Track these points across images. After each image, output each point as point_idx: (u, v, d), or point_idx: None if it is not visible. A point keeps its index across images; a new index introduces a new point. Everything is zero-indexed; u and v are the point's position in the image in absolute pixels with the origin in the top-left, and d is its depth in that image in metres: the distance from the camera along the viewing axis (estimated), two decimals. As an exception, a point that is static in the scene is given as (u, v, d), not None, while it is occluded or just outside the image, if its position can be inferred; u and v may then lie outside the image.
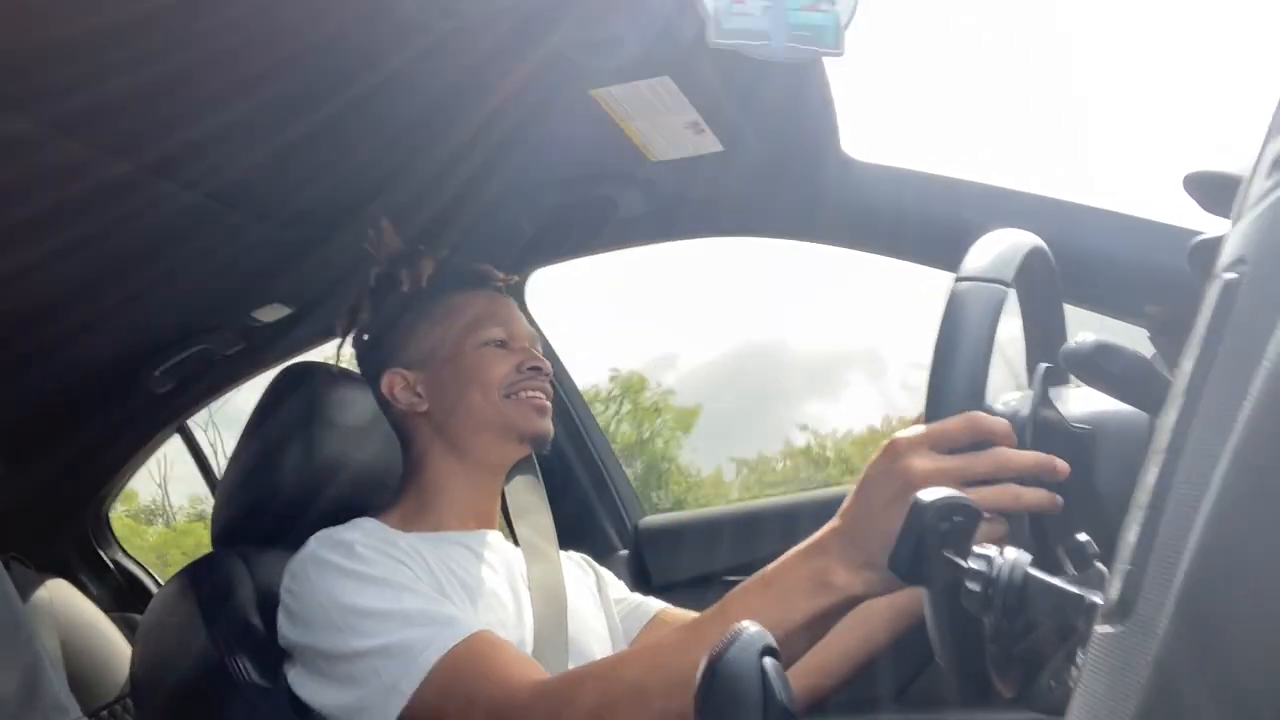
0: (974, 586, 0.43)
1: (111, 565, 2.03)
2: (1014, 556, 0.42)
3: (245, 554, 1.07)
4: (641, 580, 1.52)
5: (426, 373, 1.10)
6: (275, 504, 1.11)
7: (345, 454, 1.15)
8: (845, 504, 0.70)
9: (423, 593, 0.94)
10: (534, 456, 1.17)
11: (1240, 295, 0.28)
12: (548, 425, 1.10)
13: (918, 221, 1.13)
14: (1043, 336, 0.83)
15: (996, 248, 0.70)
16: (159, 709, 1.04)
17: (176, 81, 0.94)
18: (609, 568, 1.25)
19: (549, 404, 1.10)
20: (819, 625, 0.73)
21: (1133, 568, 0.29)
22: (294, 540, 1.00)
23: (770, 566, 0.74)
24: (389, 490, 1.13)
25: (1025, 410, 0.67)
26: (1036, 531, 0.66)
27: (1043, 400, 0.69)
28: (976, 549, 0.43)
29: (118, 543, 2.07)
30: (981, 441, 0.65)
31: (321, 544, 0.97)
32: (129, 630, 1.73)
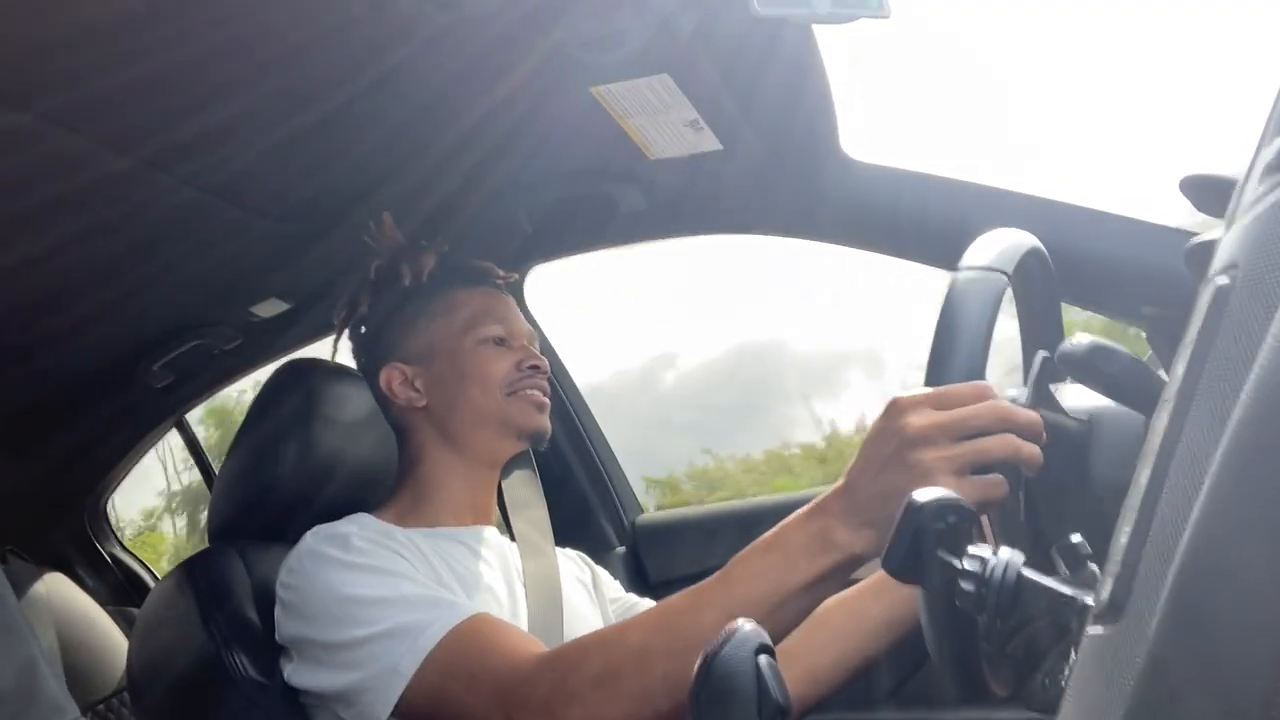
0: (968, 586, 0.43)
1: (109, 559, 2.03)
2: (1008, 557, 0.43)
3: (242, 549, 1.08)
4: (638, 578, 1.52)
5: (425, 368, 1.10)
6: (272, 500, 1.11)
7: (343, 450, 1.15)
8: (849, 465, 0.71)
9: (420, 581, 0.94)
10: (531, 452, 1.17)
11: (1233, 299, 0.29)
12: (546, 422, 1.10)
13: (916, 221, 1.13)
14: (1039, 336, 0.84)
15: (996, 243, 0.70)
16: (156, 704, 1.04)
17: (175, 75, 0.94)
18: (606, 565, 1.25)
19: (548, 401, 1.11)
20: (821, 587, 0.73)
21: (1124, 569, 0.29)
22: (291, 536, 1.00)
23: (772, 530, 0.75)
24: (386, 487, 1.13)
25: (1023, 402, 0.67)
26: (1033, 528, 0.66)
27: (1040, 394, 0.69)
28: (971, 549, 0.43)
29: (115, 537, 2.07)
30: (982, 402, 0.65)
31: (318, 538, 0.98)
32: (126, 624, 1.73)
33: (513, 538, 1.14)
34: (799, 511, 0.74)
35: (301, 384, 1.16)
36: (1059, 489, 0.69)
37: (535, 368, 1.10)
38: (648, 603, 1.17)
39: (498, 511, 1.17)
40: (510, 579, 1.06)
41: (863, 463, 0.70)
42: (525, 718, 0.80)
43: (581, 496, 1.56)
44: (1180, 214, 0.98)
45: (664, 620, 0.80)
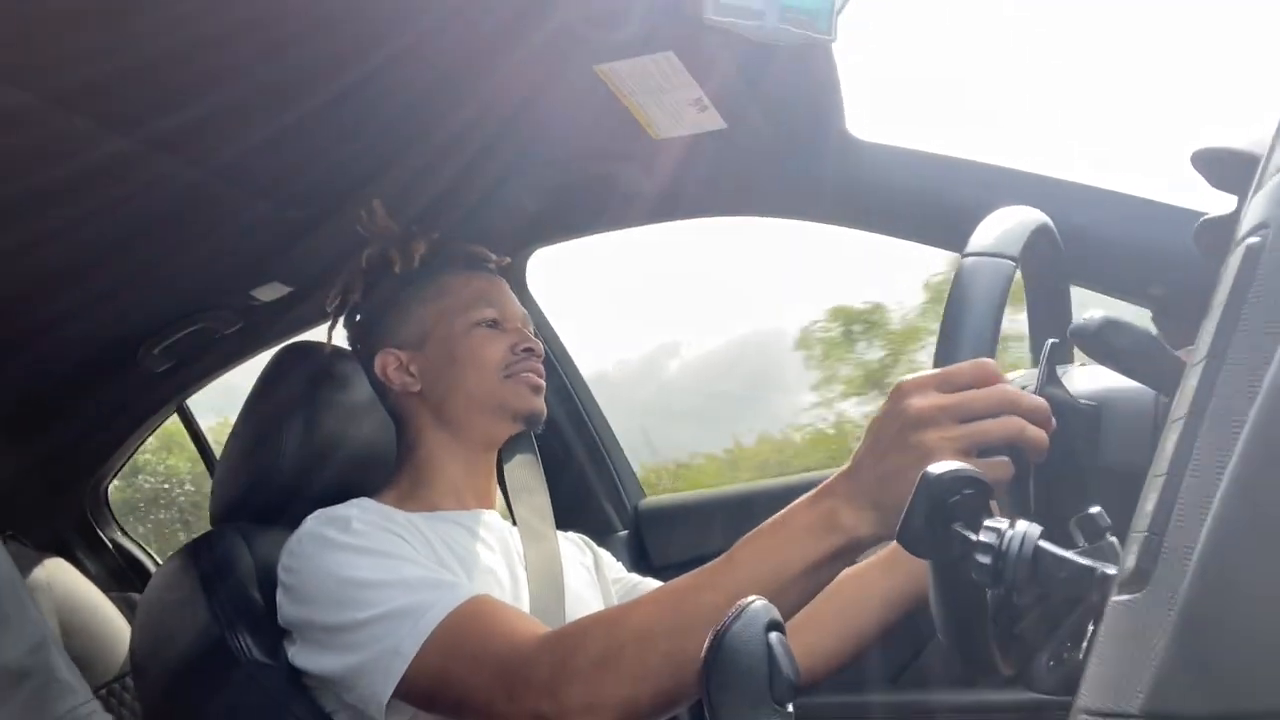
0: (984, 559, 0.43)
1: (110, 544, 2.03)
2: (1025, 529, 0.42)
3: (245, 531, 1.07)
4: (641, 561, 1.52)
5: (419, 353, 1.10)
6: (275, 482, 1.11)
7: (345, 433, 1.15)
8: (856, 448, 0.71)
9: (421, 563, 0.94)
10: (532, 436, 1.17)
11: (1264, 259, 0.28)
12: (541, 404, 1.10)
13: (922, 201, 1.12)
14: (1048, 315, 0.83)
15: (1003, 225, 0.70)
16: (160, 686, 1.04)
17: (179, 58, 0.93)
18: (608, 548, 1.25)
19: (543, 383, 1.11)
20: (826, 568, 0.73)
21: (1150, 535, 0.28)
22: (294, 518, 1.00)
23: (780, 512, 0.75)
24: (388, 469, 1.13)
25: (1031, 386, 0.67)
26: (1042, 510, 0.66)
27: (1049, 376, 0.69)
28: (987, 522, 0.43)
29: (116, 522, 2.07)
30: (988, 384, 0.65)
31: (319, 521, 0.98)
32: (128, 609, 1.73)
33: (514, 522, 1.14)
34: (806, 495, 0.74)
35: (304, 367, 1.16)
36: (1068, 471, 0.69)
37: (529, 350, 1.10)
38: (651, 582, 1.17)
39: (500, 496, 1.17)
40: (511, 562, 1.06)
41: (868, 445, 0.70)
42: (527, 697, 0.80)
43: (584, 480, 1.56)
44: (1189, 192, 0.97)
45: (668, 600, 0.80)
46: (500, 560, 1.05)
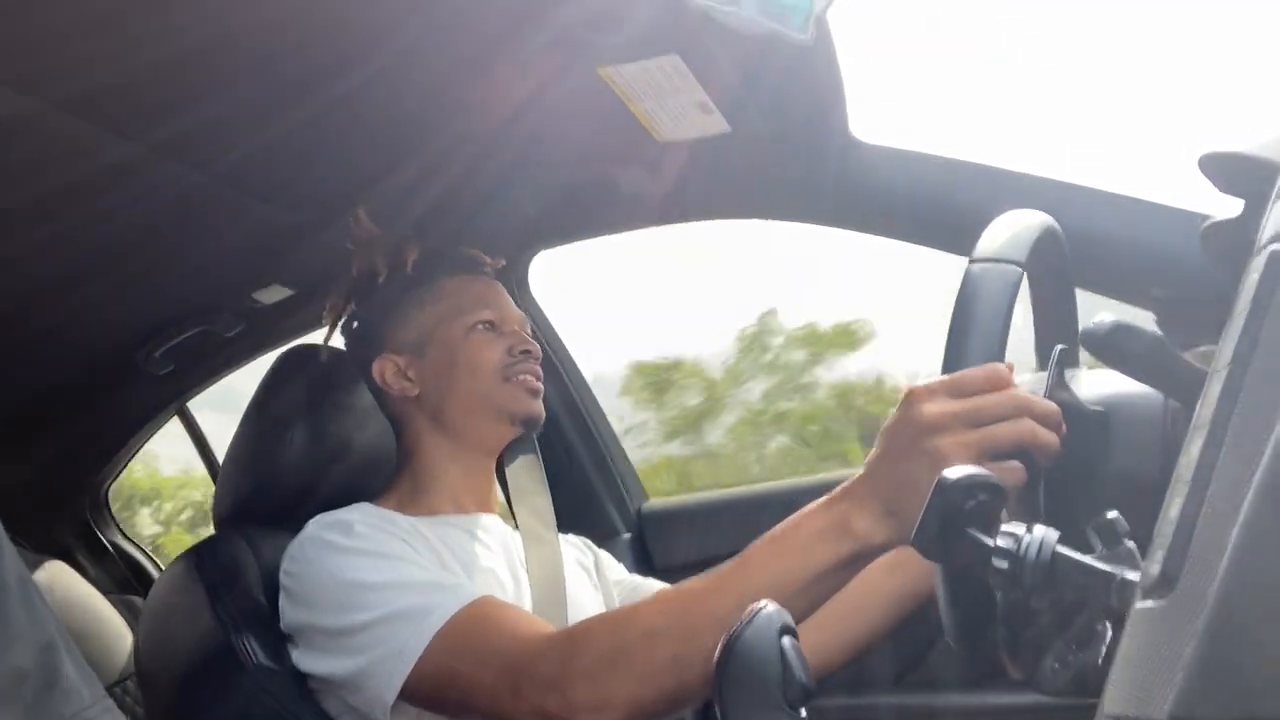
0: (1001, 564, 0.43)
1: (110, 548, 2.02)
2: (1043, 534, 0.42)
3: (249, 535, 1.07)
4: (644, 564, 1.52)
5: (417, 358, 1.10)
6: (279, 486, 1.11)
7: (349, 436, 1.15)
8: (870, 454, 0.71)
9: (424, 565, 0.94)
10: (534, 438, 1.17)
11: None
12: (539, 407, 1.10)
13: (926, 205, 1.12)
14: (1054, 320, 0.83)
15: (1009, 230, 0.70)
16: (164, 690, 1.03)
17: (182, 62, 0.93)
18: (611, 551, 1.25)
19: (540, 386, 1.10)
20: (839, 574, 0.73)
21: (1176, 540, 0.28)
22: (297, 522, 1.00)
23: (793, 517, 0.75)
24: (390, 473, 1.12)
25: (1040, 392, 0.67)
26: (1052, 515, 0.66)
27: (1058, 382, 0.69)
28: (1004, 527, 0.43)
29: (117, 525, 2.06)
30: (999, 389, 0.65)
31: (320, 525, 0.98)
32: (128, 612, 1.72)
33: (516, 525, 1.14)
34: (821, 499, 0.74)
35: (306, 370, 1.16)
36: (1078, 475, 0.69)
37: (527, 353, 1.10)
38: (653, 583, 1.17)
39: (503, 500, 1.17)
40: (513, 566, 1.06)
41: (881, 451, 0.70)
42: (533, 695, 0.80)
43: (586, 483, 1.56)
44: (1194, 195, 0.97)
45: (677, 602, 0.80)
46: (502, 563, 1.05)
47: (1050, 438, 0.64)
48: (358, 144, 1.18)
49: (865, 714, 1.25)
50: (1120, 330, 0.60)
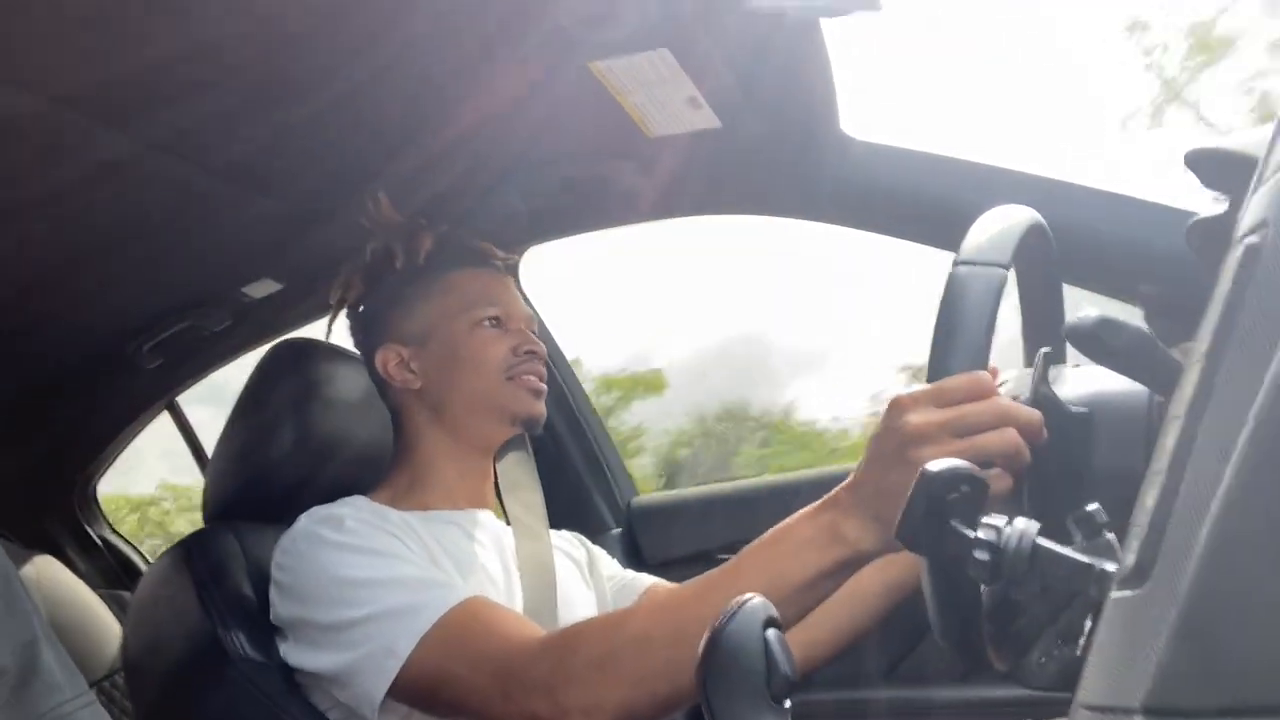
0: (982, 556, 0.43)
1: (100, 542, 2.02)
2: (1023, 526, 0.43)
3: (238, 529, 1.07)
4: (634, 558, 1.52)
5: (421, 349, 1.10)
6: (268, 481, 1.11)
7: (338, 431, 1.15)
8: (859, 462, 0.72)
9: (416, 562, 0.94)
10: (526, 435, 1.17)
11: (1263, 257, 0.28)
12: (542, 407, 1.10)
13: (915, 201, 1.13)
14: (1041, 317, 0.84)
15: (994, 228, 0.70)
16: (152, 684, 1.03)
17: (172, 57, 0.93)
18: (601, 546, 1.25)
19: (544, 386, 1.10)
20: (829, 581, 0.74)
21: (1151, 531, 0.29)
22: (288, 517, 0.99)
23: (782, 523, 0.75)
24: (382, 468, 1.12)
25: (1024, 391, 0.68)
26: (1036, 509, 0.66)
27: (1042, 381, 0.69)
28: (985, 519, 0.43)
29: (106, 520, 2.06)
30: (982, 398, 0.66)
31: (313, 520, 0.97)
32: (117, 607, 1.72)
33: (508, 521, 1.14)
34: (811, 506, 0.75)
35: (297, 364, 1.15)
36: (1064, 473, 0.69)
37: (532, 352, 1.09)
38: (646, 578, 1.17)
39: (494, 494, 1.17)
40: (505, 562, 1.06)
41: (868, 460, 0.71)
42: (524, 698, 0.81)
43: (577, 478, 1.56)
44: (1181, 192, 0.98)
45: (668, 607, 0.80)
46: (494, 559, 1.05)
47: (1026, 452, 0.65)
48: (349, 139, 1.17)
49: (853, 707, 1.25)
50: (1104, 325, 0.60)
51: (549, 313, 1.52)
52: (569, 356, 1.61)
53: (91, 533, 2.02)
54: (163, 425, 1.89)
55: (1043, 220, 0.75)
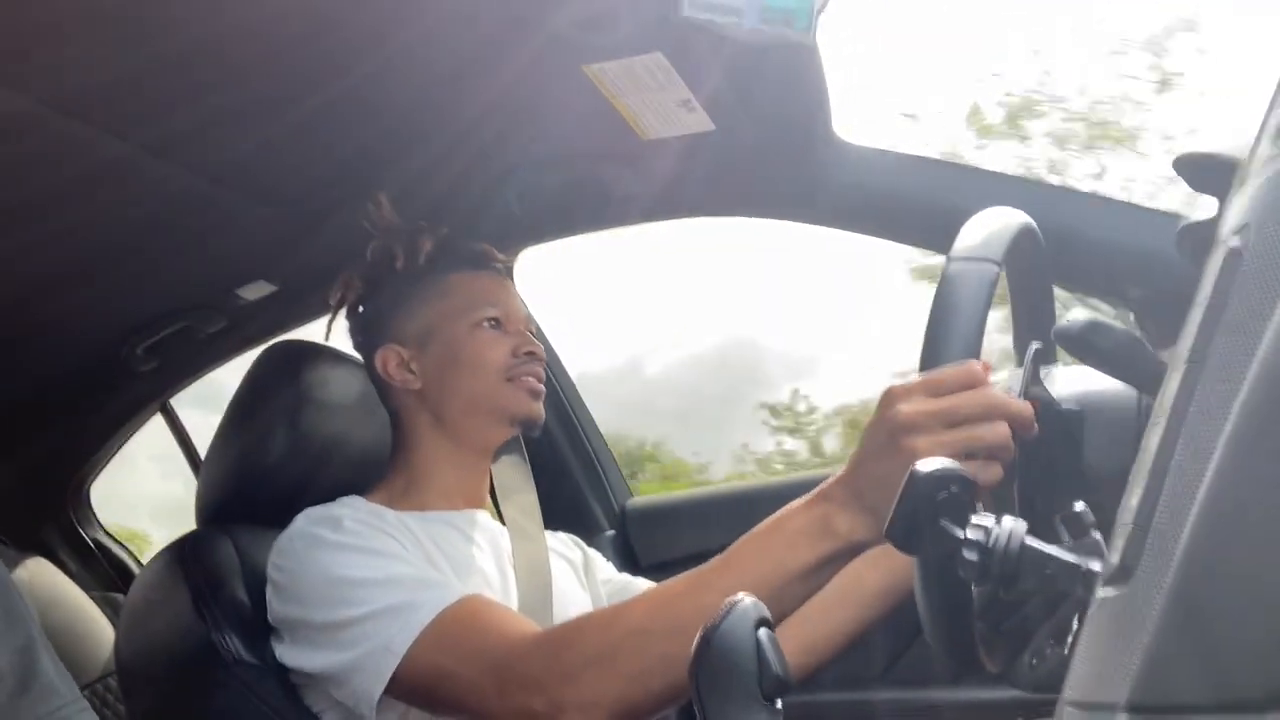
0: (971, 555, 0.43)
1: (92, 545, 2.01)
2: (1011, 525, 0.43)
3: (231, 531, 1.07)
4: (628, 561, 1.52)
5: (421, 351, 1.10)
6: (261, 483, 1.11)
7: (331, 432, 1.15)
8: (852, 453, 0.73)
9: (413, 562, 0.94)
10: (520, 437, 1.17)
11: (1245, 260, 0.29)
12: (540, 409, 1.10)
13: (909, 203, 1.13)
14: (1031, 317, 0.84)
15: (986, 228, 0.70)
16: (146, 688, 1.03)
17: (170, 62, 0.93)
18: (595, 548, 1.25)
19: (543, 388, 1.10)
20: (821, 573, 0.75)
21: (1135, 529, 0.29)
22: (280, 518, 0.99)
23: (775, 515, 0.76)
24: (377, 470, 1.12)
25: (1015, 389, 0.68)
26: (1026, 511, 0.67)
27: (1033, 379, 0.70)
28: (974, 519, 0.44)
29: (99, 522, 2.05)
30: (974, 388, 0.66)
31: (310, 520, 0.98)
32: (110, 609, 1.72)
33: (503, 522, 1.14)
34: (803, 498, 0.75)
35: (291, 366, 1.15)
36: (1053, 471, 0.70)
37: (531, 354, 1.10)
38: (641, 582, 1.18)
39: (489, 496, 1.17)
40: (501, 563, 1.06)
41: (861, 451, 0.71)
42: (520, 695, 0.81)
43: (571, 480, 1.56)
44: (1172, 196, 0.99)
45: (662, 601, 0.81)
46: (490, 560, 1.05)
47: (1010, 443, 0.65)
48: (344, 143, 1.18)
49: (846, 708, 1.26)
50: (1093, 327, 0.61)
51: (547, 311, 1.52)
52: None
53: (85, 535, 2.01)
54: (156, 428, 1.89)
55: (1033, 223, 0.75)
